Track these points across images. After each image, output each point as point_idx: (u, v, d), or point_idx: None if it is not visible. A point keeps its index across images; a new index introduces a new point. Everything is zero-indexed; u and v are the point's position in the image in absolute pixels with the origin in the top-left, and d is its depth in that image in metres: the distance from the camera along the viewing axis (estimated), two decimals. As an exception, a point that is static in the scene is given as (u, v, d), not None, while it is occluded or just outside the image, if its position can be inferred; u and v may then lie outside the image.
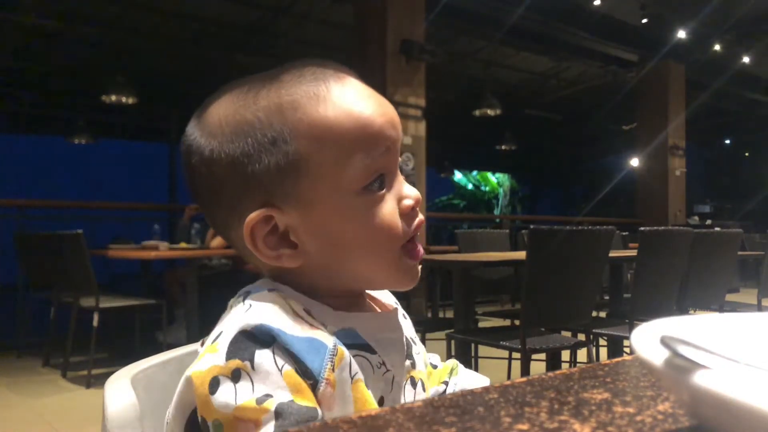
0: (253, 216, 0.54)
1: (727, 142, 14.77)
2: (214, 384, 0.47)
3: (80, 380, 3.69)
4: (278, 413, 0.46)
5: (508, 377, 3.31)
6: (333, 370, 0.50)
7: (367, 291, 0.64)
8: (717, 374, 0.24)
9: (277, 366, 0.48)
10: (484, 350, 3.26)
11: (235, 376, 0.47)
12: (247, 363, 0.48)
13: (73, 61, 8.02)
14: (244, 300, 0.54)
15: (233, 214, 0.56)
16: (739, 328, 0.33)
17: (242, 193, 0.55)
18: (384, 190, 0.56)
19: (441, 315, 4.64)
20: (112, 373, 0.63)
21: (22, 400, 3.41)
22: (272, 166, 0.53)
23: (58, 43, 7.39)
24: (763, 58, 8.17)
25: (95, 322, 3.65)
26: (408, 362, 0.61)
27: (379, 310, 0.64)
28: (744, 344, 0.31)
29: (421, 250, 0.59)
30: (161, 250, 4.16)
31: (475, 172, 16.20)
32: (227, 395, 0.47)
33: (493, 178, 16.21)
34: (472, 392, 0.35)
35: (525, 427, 0.29)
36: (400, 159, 0.60)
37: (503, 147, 11.17)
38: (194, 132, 0.57)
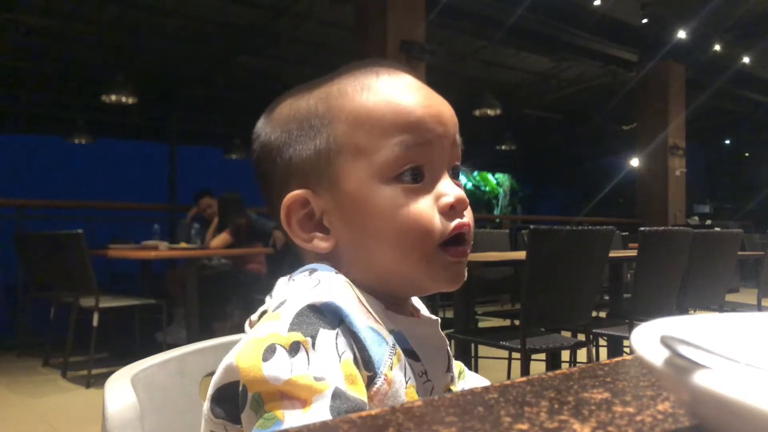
0: (290, 196, 0.56)
1: (727, 142, 14.76)
2: (269, 351, 0.45)
3: (80, 380, 3.69)
4: (335, 395, 0.44)
5: (508, 377, 3.31)
6: (391, 368, 0.50)
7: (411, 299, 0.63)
8: (717, 374, 0.24)
9: (338, 352, 0.47)
10: (484, 350, 3.26)
11: (293, 349, 0.45)
12: (309, 340, 0.46)
13: (73, 61, 8.02)
14: (311, 274, 0.53)
15: (279, 198, 0.58)
16: (739, 328, 0.33)
17: (285, 177, 0.58)
18: (420, 184, 0.55)
19: (441, 315, 4.64)
20: (112, 373, 0.63)
21: (22, 400, 3.41)
22: (311, 149, 0.56)
23: (58, 43, 7.39)
24: (763, 58, 8.17)
25: (95, 322, 3.65)
26: (449, 375, 0.61)
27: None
28: (744, 344, 0.31)
29: (462, 251, 0.56)
30: (161, 250, 4.16)
31: (475, 173, 16.21)
32: (280, 367, 0.44)
33: (492, 178, 16.21)
34: (472, 392, 0.35)
35: (525, 426, 0.29)
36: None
37: (503, 147, 11.18)
38: (259, 122, 0.61)
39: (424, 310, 0.66)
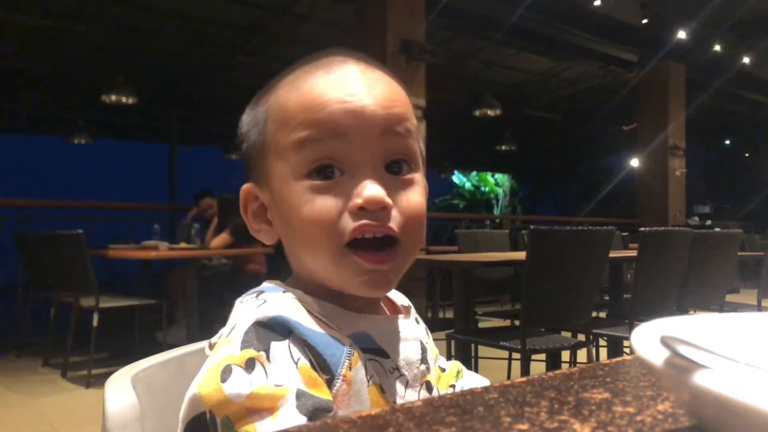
0: (243, 188, 0.60)
1: (728, 142, 14.75)
2: (226, 372, 0.45)
3: (80, 380, 3.69)
4: (299, 395, 0.44)
5: (508, 377, 3.31)
6: (350, 368, 0.50)
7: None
8: (717, 374, 0.24)
9: (293, 359, 0.47)
10: (484, 350, 3.26)
11: (249, 365, 0.46)
12: (263, 353, 0.47)
13: (73, 61, 8.02)
14: (257, 296, 0.55)
15: None
16: (739, 328, 0.33)
17: (246, 168, 0.61)
18: (331, 181, 0.52)
19: (441, 315, 4.65)
20: (112, 373, 0.63)
21: (22, 400, 3.41)
22: (253, 145, 0.59)
23: (58, 43, 7.39)
24: (763, 58, 8.17)
25: (95, 322, 3.65)
26: (423, 366, 0.60)
27: (392, 312, 0.63)
28: (744, 344, 0.31)
29: (379, 257, 0.52)
30: (161, 250, 4.16)
31: (474, 173, 16.21)
32: (240, 383, 0.45)
33: (491, 178, 16.21)
34: (472, 392, 0.35)
35: (525, 427, 0.29)
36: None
37: (503, 147, 11.18)
38: (244, 113, 0.63)
39: (399, 300, 0.65)
